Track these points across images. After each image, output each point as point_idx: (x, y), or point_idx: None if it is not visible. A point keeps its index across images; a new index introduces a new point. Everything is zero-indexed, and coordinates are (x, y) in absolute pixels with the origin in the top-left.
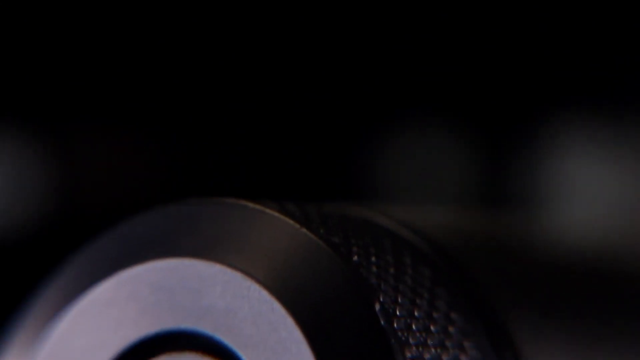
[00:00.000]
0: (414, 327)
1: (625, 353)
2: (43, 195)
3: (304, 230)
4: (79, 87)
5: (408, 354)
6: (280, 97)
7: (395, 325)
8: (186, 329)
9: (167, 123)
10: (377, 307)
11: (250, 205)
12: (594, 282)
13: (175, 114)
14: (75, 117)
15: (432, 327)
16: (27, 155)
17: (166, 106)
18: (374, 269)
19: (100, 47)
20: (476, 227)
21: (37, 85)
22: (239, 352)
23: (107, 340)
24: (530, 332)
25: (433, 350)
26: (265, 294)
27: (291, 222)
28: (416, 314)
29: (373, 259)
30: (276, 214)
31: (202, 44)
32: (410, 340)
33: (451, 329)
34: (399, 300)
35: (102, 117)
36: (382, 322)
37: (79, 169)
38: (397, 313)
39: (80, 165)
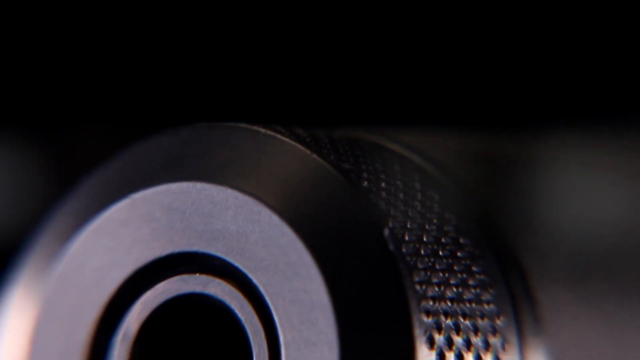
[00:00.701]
0: (422, 252)
1: (630, 276)
2: (43, 197)
3: (315, 156)
4: (79, 90)
5: (416, 278)
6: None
7: (404, 250)
8: (198, 251)
9: (168, 126)
10: (386, 232)
11: (262, 130)
12: (601, 207)
13: (176, 118)
14: (75, 120)
15: (440, 252)
16: (27, 157)
17: (167, 109)
18: (384, 194)
19: (101, 49)
20: (485, 151)
21: (37, 87)
22: (250, 274)
23: (120, 260)
24: (537, 256)
25: (441, 274)
26: (275, 219)
27: (302, 147)
28: (425, 239)
29: (383, 184)
30: (287, 140)
31: (201, 45)
32: (419, 265)
33: (459, 254)
34: (408, 225)
35: (102, 120)
36: (391, 247)
37: (79, 170)
38: (406, 238)
39: (80, 167)
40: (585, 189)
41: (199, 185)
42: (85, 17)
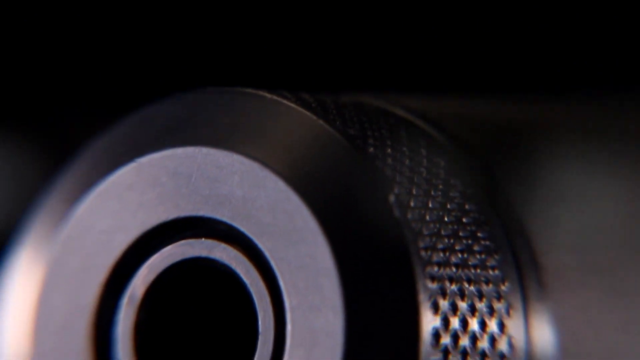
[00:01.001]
0: (427, 218)
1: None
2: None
3: (321, 121)
4: (79, 89)
5: (421, 244)
6: None
7: (409, 216)
8: (204, 215)
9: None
10: (392, 198)
11: (268, 95)
12: (608, 172)
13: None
14: (75, 119)
15: (445, 218)
16: (27, 156)
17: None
18: (390, 160)
19: (101, 48)
20: (492, 117)
21: (37, 86)
22: (255, 239)
23: (126, 224)
24: (543, 222)
25: (446, 240)
26: (281, 184)
27: (308, 113)
28: (430, 205)
29: (389, 150)
30: (293, 105)
31: (204, 14)
32: (424, 231)
33: (465, 220)
34: (414, 191)
35: (101, 119)
36: (396, 213)
37: None
38: (412, 204)
39: None
40: (591, 155)
41: (205, 150)
42: (86, 18)
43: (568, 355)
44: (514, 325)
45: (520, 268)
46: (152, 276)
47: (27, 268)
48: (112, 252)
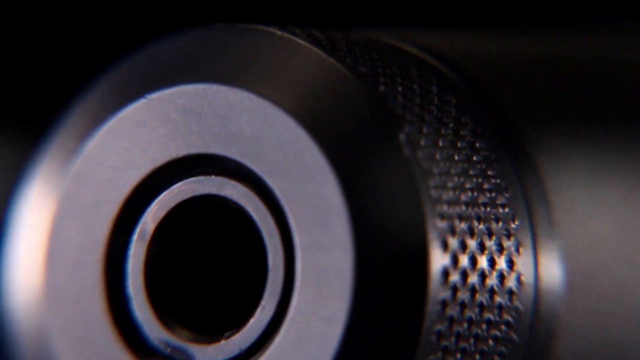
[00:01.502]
0: (437, 156)
1: None
2: None
3: (331, 59)
4: (78, 88)
5: (431, 183)
6: None
7: (419, 155)
8: (214, 153)
9: None
10: (402, 137)
11: (278, 32)
12: (619, 105)
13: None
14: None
15: (456, 157)
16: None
17: None
18: (400, 99)
19: (99, 47)
20: (502, 52)
21: (36, 85)
22: (265, 177)
23: (137, 160)
24: (554, 159)
25: (456, 178)
26: (291, 122)
27: (318, 50)
28: (441, 143)
29: (399, 88)
30: (303, 42)
31: None
32: (434, 170)
33: (475, 158)
34: (424, 130)
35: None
36: (406, 152)
37: None
38: (422, 143)
39: None
40: (602, 88)
41: (215, 87)
42: (86, 17)
43: (577, 291)
44: (523, 263)
45: (530, 205)
46: (162, 212)
47: (38, 203)
48: (122, 188)
